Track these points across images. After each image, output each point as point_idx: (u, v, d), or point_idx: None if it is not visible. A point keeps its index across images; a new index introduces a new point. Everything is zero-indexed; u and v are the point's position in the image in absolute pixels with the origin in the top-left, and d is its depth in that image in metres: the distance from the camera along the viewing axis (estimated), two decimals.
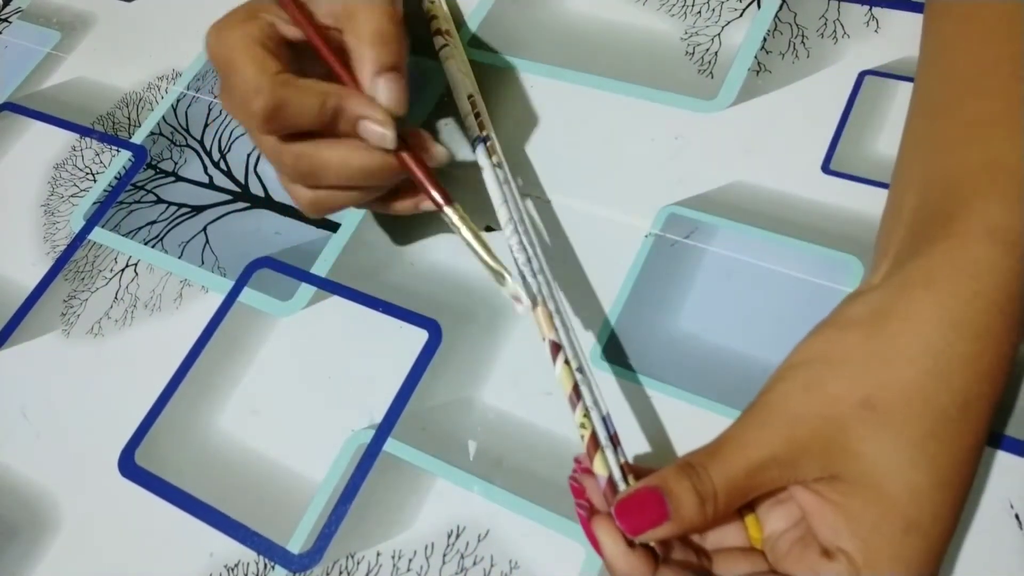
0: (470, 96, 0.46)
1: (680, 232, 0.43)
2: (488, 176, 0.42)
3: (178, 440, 0.44)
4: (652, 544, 0.32)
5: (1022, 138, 0.32)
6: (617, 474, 0.33)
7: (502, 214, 0.40)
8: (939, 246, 0.31)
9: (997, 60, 0.35)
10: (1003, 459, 0.35)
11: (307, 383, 0.44)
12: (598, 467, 0.33)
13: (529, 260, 0.39)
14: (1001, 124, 0.33)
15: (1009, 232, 0.31)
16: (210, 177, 0.52)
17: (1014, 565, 0.33)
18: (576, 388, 0.35)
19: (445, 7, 0.52)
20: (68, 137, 0.57)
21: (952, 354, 0.30)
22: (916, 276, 0.31)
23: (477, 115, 0.45)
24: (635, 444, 0.38)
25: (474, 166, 0.43)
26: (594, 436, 0.34)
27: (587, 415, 0.35)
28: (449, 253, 0.46)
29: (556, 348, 0.36)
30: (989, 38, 0.35)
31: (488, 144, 0.43)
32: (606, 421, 0.35)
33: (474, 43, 0.53)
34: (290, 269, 0.47)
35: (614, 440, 0.34)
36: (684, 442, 0.38)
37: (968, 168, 0.33)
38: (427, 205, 0.40)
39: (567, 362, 0.36)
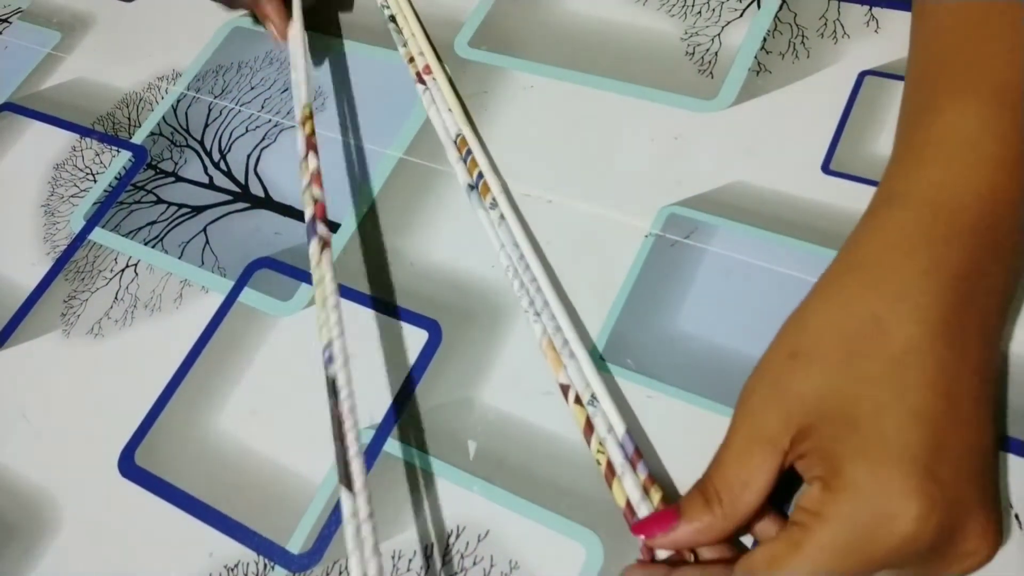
0: (458, 135, 0.47)
1: (680, 232, 0.43)
2: (484, 222, 0.44)
3: (178, 440, 0.44)
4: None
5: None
6: (636, 497, 0.34)
7: (501, 259, 0.42)
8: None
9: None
10: (1002, 459, 0.35)
11: (307, 383, 0.44)
12: (616, 495, 0.36)
13: (532, 303, 0.40)
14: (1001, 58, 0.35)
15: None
16: (210, 177, 0.52)
17: (1014, 565, 0.33)
18: (588, 422, 0.36)
19: (421, 39, 0.52)
20: (68, 137, 0.57)
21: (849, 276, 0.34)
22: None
23: (468, 153, 0.46)
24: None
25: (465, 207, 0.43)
26: (610, 465, 0.36)
27: (601, 444, 0.36)
28: (449, 253, 0.46)
29: (565, 389, 0.37)
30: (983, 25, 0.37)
31: (481, 184, 0.44)
32: (623, 444, 0.36)
33: (474, 43, 0.53)
34: (290, 269, 0.47)
35: (634, 458, 0.35)
36: (683, 442, 0.38)
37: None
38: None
39: (578, 399, 0.37)
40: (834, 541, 0.29)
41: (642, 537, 0.34)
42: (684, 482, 0.37)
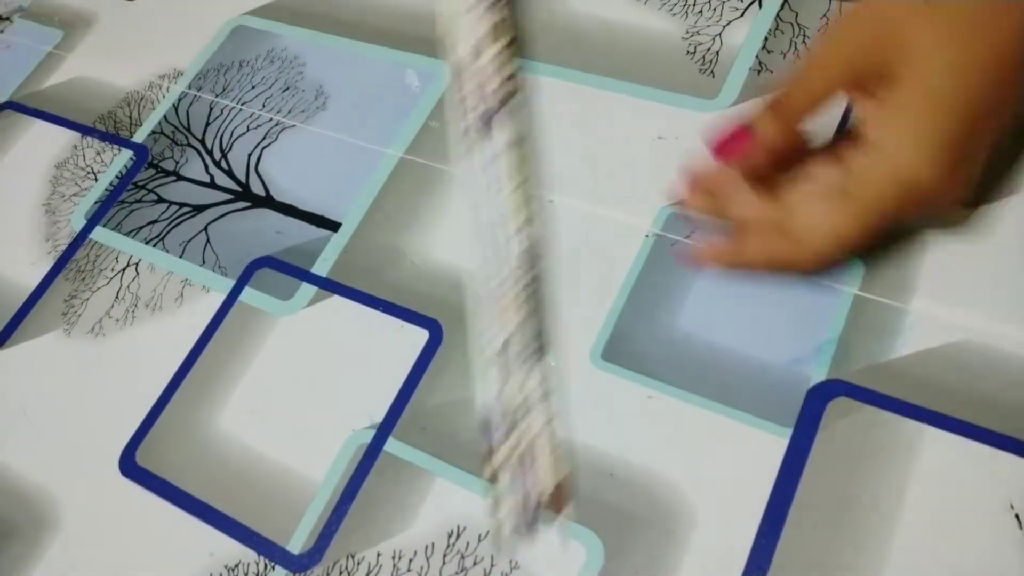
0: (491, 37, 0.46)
1: (680, 232, 0.43)
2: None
3: (179, 440, 0.44)
4: None
5: None
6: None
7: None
8: None
9: None
10: (1003, 459, 0.35)
11: (308, 383, 0.44)
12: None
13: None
14: None
15: None
16: (211, 176, 0.52)
17: (1014, 565, 0.33)
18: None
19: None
20: (69, 136, 0.57)
21: None
22: None
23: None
24: (635, 444, 0.38)
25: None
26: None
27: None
28: (450, 252, 0.46)
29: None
30: None
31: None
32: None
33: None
34: (291, 269, 0.47)
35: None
36: (684, 442, 0.38)
37: None
38: None
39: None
40: (884, 208, 0.35)
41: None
42: (685, 482, 0.37)
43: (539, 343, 0.38)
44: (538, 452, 0.36)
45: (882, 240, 0.39)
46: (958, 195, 0.36)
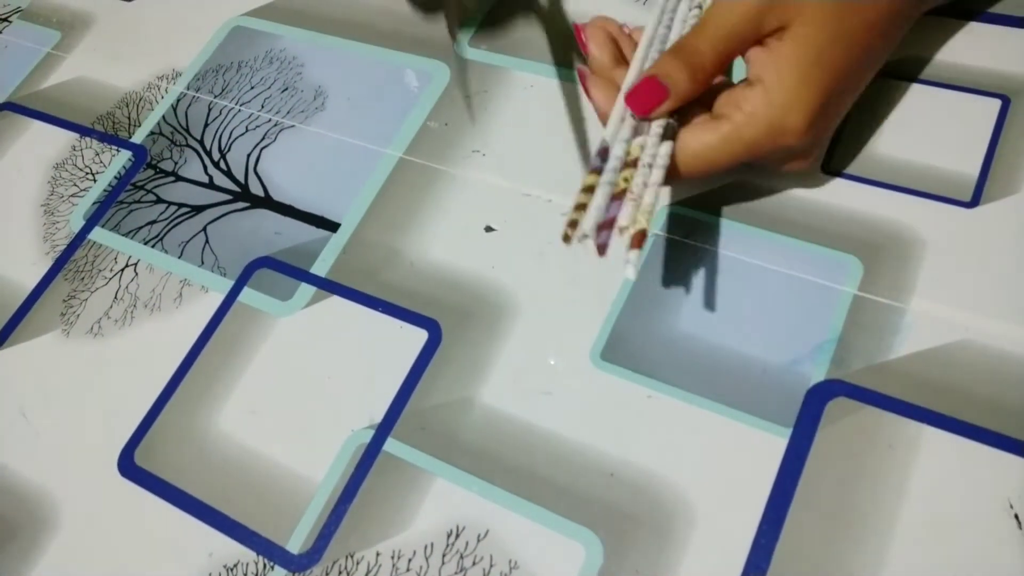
0: None
1: (680, 232, 0.43)
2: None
3: (178, 440, 0.44)
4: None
5: None
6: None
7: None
8: None
9: None
10: (1002, 459, 0.35)
11: (307, 383, 0.44)
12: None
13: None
14: None
15: None
16: (210, 177, 0.52)
17: (1014, 565, 0.33)
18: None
19: None
20: (68, 137, 0.57)
21: None
22: None
23: None
24: (635, 444, 0.38)
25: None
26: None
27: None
28: (449, 253, 0.46)
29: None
30: None
31: None
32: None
33: (474, 43, 0.53)
34: (290, 269, 0.47)
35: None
36: (684, 442, 0.38)
37: None
38: None
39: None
40: (749, 136, 0.37)
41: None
42: (685, 482, 0.37)
43: (673, 129, 0.38)
44: (644, 197, 0.36)
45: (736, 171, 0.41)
46: (810, 145, 0.38)
